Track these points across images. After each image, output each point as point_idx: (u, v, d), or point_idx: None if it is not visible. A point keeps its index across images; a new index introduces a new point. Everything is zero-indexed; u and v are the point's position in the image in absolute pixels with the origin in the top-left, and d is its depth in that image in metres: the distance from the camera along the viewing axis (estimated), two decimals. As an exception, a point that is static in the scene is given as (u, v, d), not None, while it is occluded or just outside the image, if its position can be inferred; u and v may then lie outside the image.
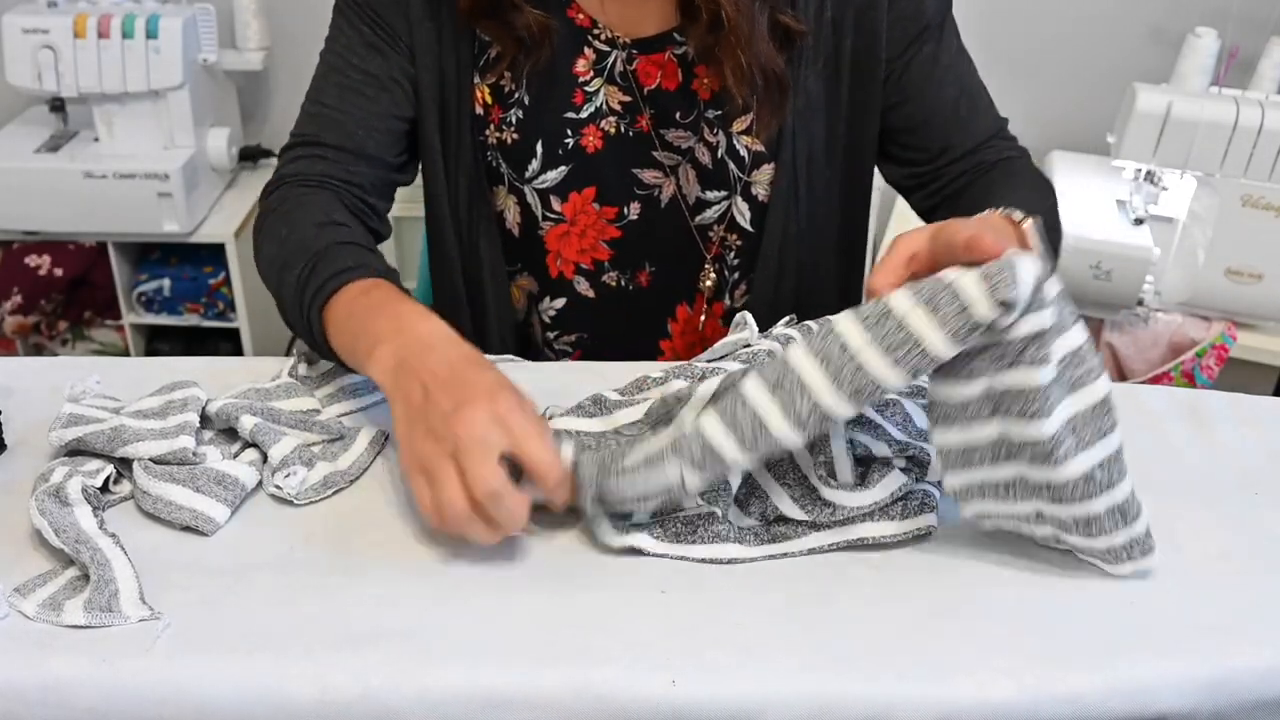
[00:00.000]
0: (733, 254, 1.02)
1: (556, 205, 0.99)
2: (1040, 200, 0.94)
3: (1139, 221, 1.70)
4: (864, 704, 0.59)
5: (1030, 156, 1.03)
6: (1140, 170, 1.69)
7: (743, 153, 0.96)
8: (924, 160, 1.00)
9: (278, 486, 0.73)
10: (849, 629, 0.63)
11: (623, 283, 1.03)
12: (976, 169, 0.99)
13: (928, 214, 1.02)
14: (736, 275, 1.03)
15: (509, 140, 0.97)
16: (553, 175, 0.98)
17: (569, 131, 0.97)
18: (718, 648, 0.62)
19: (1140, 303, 1.69)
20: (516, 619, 0.64)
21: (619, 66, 0.96)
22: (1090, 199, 1.76)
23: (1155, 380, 1.70)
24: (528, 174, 0.98)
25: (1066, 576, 0.68)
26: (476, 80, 0.97)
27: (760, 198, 0.98)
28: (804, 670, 0.60)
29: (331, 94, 0.96)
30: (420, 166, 1.02)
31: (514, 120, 0.97)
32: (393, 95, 0.96)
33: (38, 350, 2.11)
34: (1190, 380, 1.69)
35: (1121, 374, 1.74)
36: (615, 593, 0.66)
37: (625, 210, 1.00)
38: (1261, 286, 1.65)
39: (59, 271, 2.01)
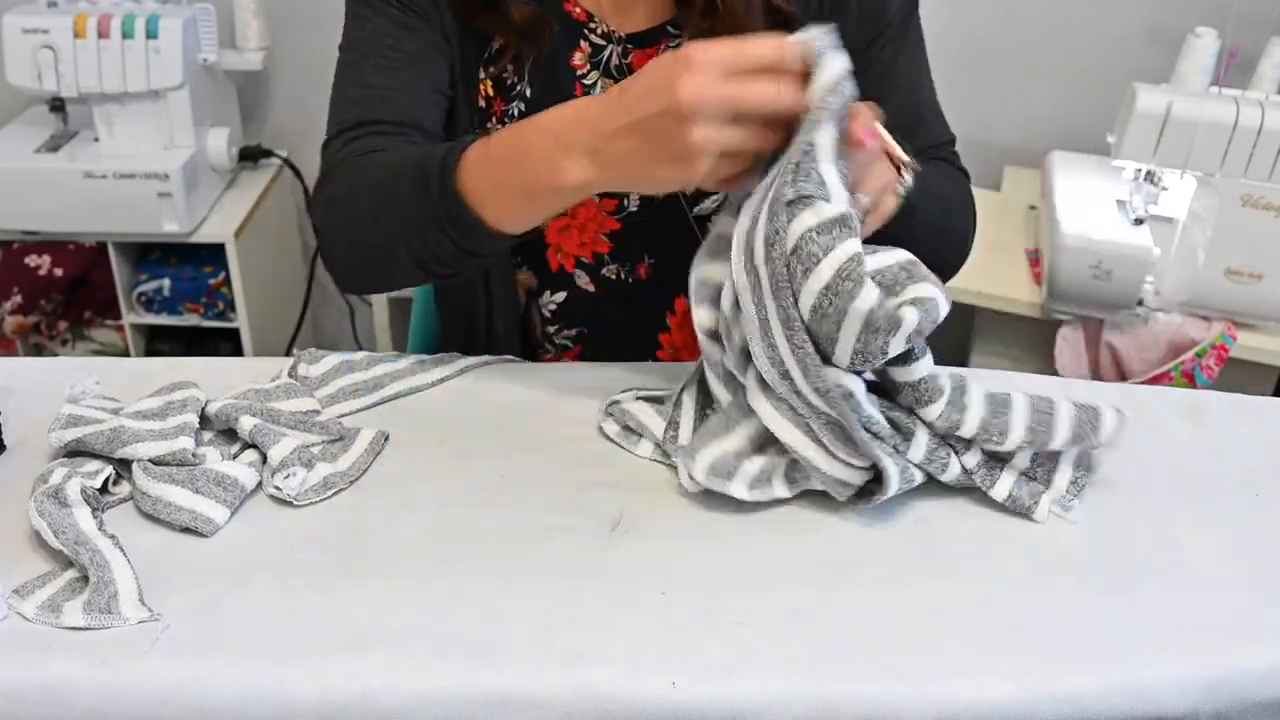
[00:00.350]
0: None
1: None
2: (946, 184, 0.94)
3: (1139, 221, 1.70)
4: (864, 704, 0.59)
5: (969, 178, 1.02)
6: (1140, 170, 1.69)
7: None
8: None
9: (277, 488, 0.73)
10: (849, 629, 0.63)
11: (622, 275, 1.03)
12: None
13: None
14: None
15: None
16: None
17: None
18: (718, 648, 0.62)
19: (1140, 303, 1.69)
20: (516, 619, 0.64)
21: (614, 60, 0.97)
22: (1090, 199, 1.76)
23: (1155, 380, 1.70)
24: None
25: (1066, 576, 0.68)
26: (481, 73, 0.97)
27: None
28: (804, 670, 0.60)
29: (373, 76, 0.93)
30: None
31: (516, 113, 0.97)
32: (435, 69, 0.95)
33: (38, 350, 2.11)
34: (1190, 380, 1.69)
35: (1121, 374, 1.75)
36: (615, 593, 0.66)
37: (625, 202, 1.00)
38: (1261, 286, 1.65)
39: (59, 271, 2.01)
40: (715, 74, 0.65)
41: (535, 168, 0.73)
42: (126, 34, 1.83)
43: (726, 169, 0.70)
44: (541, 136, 0.73)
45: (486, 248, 0.80)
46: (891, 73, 0.96)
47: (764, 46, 0.67)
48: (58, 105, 1.95)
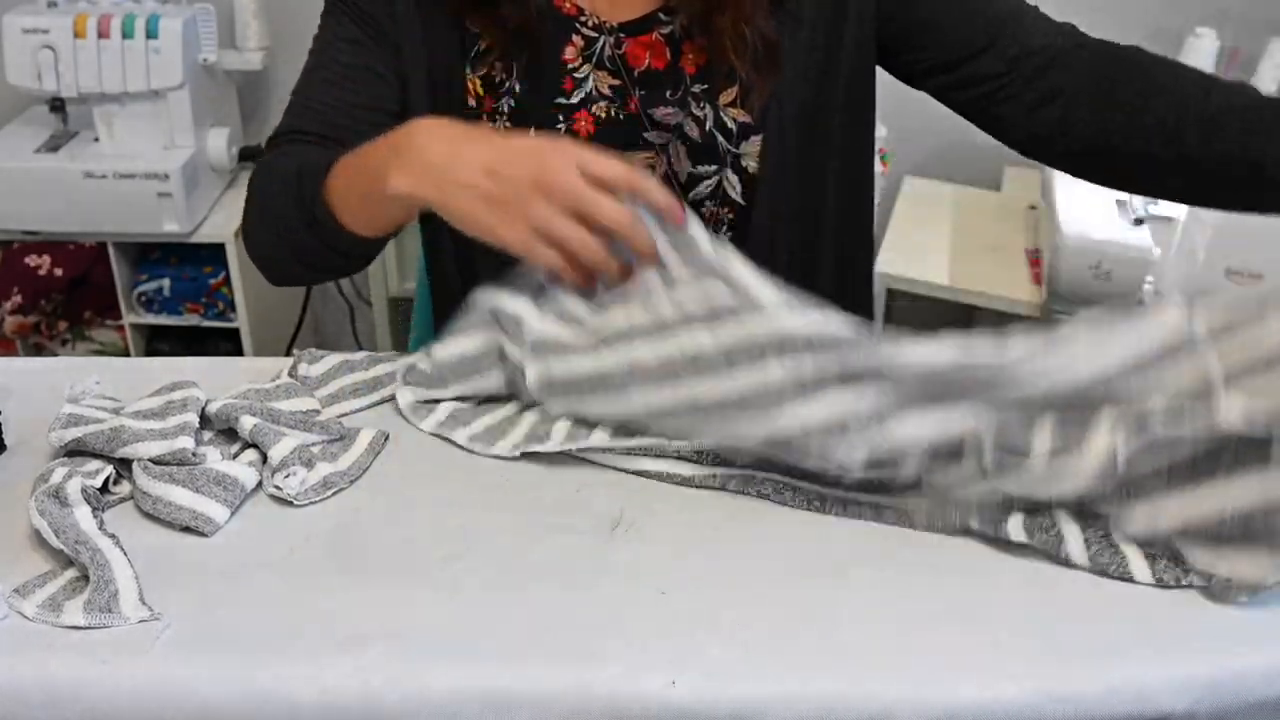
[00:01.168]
0: (724, 228, 1.02)
1: None
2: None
3: (1139, 221, 1.70)
4: (864, 704, 0.59)
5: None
6: (1140, 170, 1.68)
7: (730, 125, 0.97)
8: (956, 67, 0.95)
9: (277, 487, 0.73)
10: (849, 629, 0.63)
11: None
12: (1056, 58, 0.93)
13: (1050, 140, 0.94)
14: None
15: (502, 130, 0.98)
16: None
17: (561, 118, 0.97)
18: (718, 648, 0.62)
19: (1140, 303, 1.69)
20: (516, 619, 0.64)
21: (607, 51, 0.97)
22: (1090, 199, 1.76)
23: (1155, 380, 1.70)
24: None
25: (1066, 576, 0.68)
26: (468, 72, 0.97)
27: (750, 170, 0.99)
28: (804, 670, 0.60)
29: (316, 88, 0.98)
30: None
31: (506, 110, 0.97)
32: (376, 88, 0.97)
33: (38, 350, 2.11)
34: (1190, 380, 1.69)
35: (1121, 374, 1.74)
36: (615, 593, 0.66)
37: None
38: (1261, 287, 1.65)
39: (59, 271, 2.01)
40: (577, 173, 0.73)
41: (370, 178, 0.80)
42: (126, 34, 1.83)
43: (542, 253, 0.74)
44: (382, 147, 0.80)
45: (344, 245, 0.86)
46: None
47: (628, 174, 0.74)
48: (58, 105, 1.95)
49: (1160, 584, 0.66)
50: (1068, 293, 1.68)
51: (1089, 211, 1.71)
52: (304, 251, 0.90)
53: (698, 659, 0.61)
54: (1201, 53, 1.79)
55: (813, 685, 0.59)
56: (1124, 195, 1.75)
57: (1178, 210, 1.71)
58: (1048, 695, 0.59)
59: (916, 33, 0.96)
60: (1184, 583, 0.65)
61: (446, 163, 0.76)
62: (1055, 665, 0.60)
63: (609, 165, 0.74)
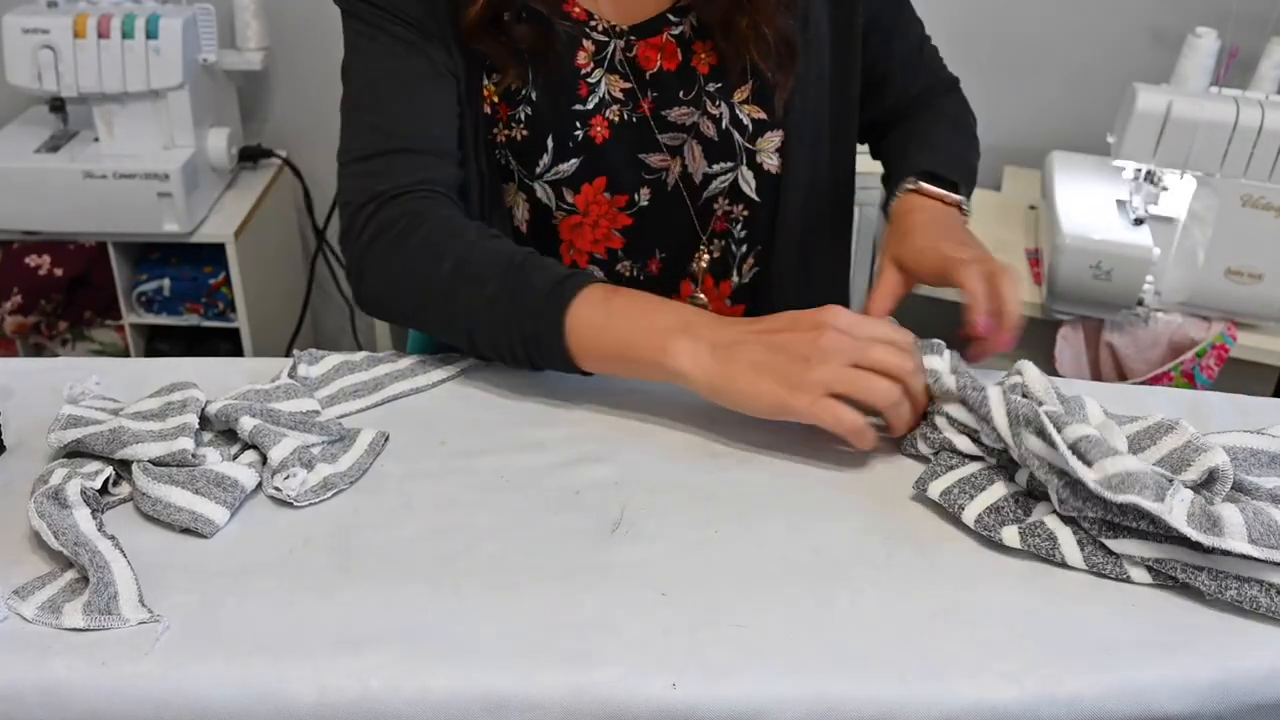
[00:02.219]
0: (739, 226, 1.02)
1: (569, 197, 1.00)
2: (954, 139, 1.07)
3: (1139, 221, 1.70)
4: (865, 706, 0.59)
5: (953, 87, 1.14)
6: (1140, 170, 1.69)
7: (746, 121, 0.97)
8: (879, 111, 1.10)
9: (277, 488, 0.73)
10: (849, 630, 0.63)
11: (635, 272, 1.04)
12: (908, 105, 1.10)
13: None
14: (744, 249, 1.03)
15: (519, 137, 0.97)
16: (565, 168, 0.98)
17: (577, 124, 0.97)
18: (718, 648, 0.62)
19: (1140, 303, 1.69)
20: (516, 619, 0.64)
21: (618, 55, 0.97)
22: (1090, 199, 1.76)
23: (1155, 380, 1.70)
24: (539, 169, 0.98)
25: (1067, 577, 0.68)
26: (484, 79, 0.97)
27: (766, 166, 0.99)
28: (804, 671, 0.60)
29: (390, 100, 0.92)
30: None
31: (523, 117, 0.97)
32: (446, 86, 0.94)
33: (38, 350, 2.11)
34: (1190, 380, 1.69)
35: (1121, 374, 1.75)
36: (615, 593, 0.66)
37: (636, 197, 1.00)
38: (1261, 286, 1.65)
39: (59, 271, 2.01)
40: (851, 336, 0.76)
41: (649, 337, 0.78)
42: (126, 34, 1.83)
43: (834, 413, 0.74)
44: (672, 316, 0.79)
45: (555, 369, 0.84)
46: (900, 16, 1.05)
47: (893, 330, 0.78)
48: (58, 105, 1.95)
49: (1158, 583, 0.66)
50: (1068, 293, 1.69)
51: (1089, 212, 1.72)
52: (493, 347, 0.84)
53: (698, 659, 0.61)
54: (1201, 53, 1.79)
55: (813, 685, 0.59)
56: (1124, 195, 1.75)
57: (1178, 210, 1.71)
58: (1048, 696, 0.59)
59: (872, 76, 1.06)
60: (1186, 581, 0.65)
61: (729, 344, 0.77)
62: (1054, 666, 0.60)
63: (876, 326, 0.77)
